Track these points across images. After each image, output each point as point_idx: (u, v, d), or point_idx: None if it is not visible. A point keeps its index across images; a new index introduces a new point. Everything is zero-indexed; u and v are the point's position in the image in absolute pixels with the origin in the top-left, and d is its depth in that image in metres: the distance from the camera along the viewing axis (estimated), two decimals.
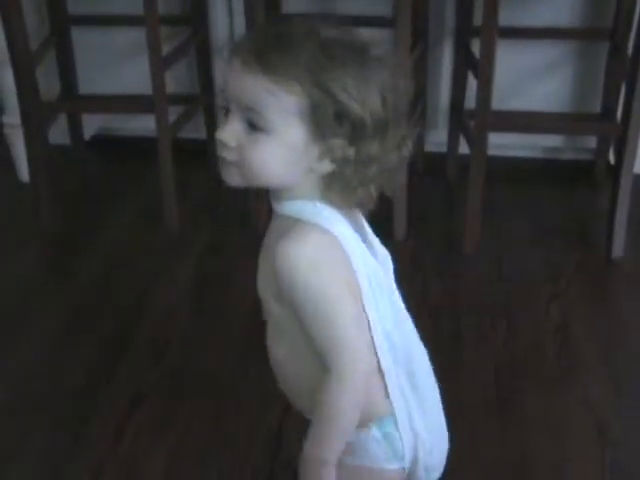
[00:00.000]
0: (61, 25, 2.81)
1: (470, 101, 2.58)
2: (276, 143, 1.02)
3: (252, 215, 2.53)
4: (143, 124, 2.69)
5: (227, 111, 1.05)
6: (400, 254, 2.42)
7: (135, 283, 2.34)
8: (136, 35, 2.65)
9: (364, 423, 1.14)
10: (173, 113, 2.55)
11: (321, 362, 1.09)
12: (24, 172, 2.79)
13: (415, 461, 1.20)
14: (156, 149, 2.49)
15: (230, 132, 1.04)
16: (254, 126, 1.02)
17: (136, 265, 2.43)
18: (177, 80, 2.82)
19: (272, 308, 1.13)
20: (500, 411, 1.90)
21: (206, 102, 2.84)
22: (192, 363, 2.05)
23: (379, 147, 1.04)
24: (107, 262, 2.45)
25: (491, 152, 2.41)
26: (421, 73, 2.68)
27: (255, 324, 2.10)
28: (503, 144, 2.72)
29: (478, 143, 2.37)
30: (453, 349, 2.10)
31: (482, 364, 2.04)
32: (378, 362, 1.13)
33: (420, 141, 2.82)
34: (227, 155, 1.05)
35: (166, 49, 2.48)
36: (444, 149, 2.86)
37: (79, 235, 2.61)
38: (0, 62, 2.61)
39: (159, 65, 2.40)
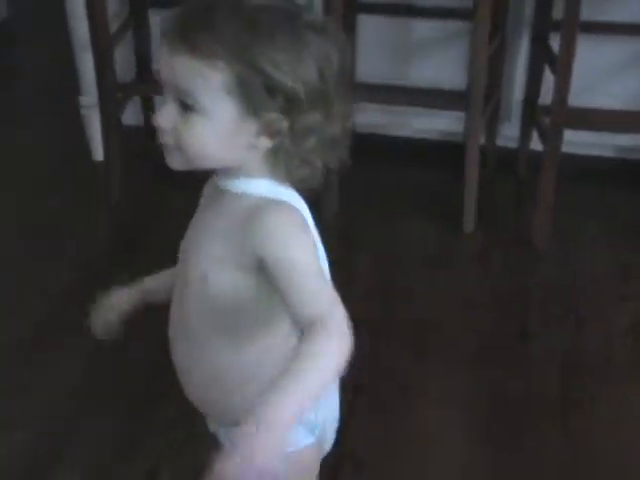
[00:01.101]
0: (139, 7, 2.84)
1: (545, 96, 2.55)
2: (209, 122, 1.00)
3: (321, 199, 2.55)
4: None
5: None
6: (468, 247, 2.48)
7: None
8: None
9: None
10: None
11: (256, 350, 1.09)
12: (98, 151, 2.84)
13: (323, 430, 1.20)
14: None
15: (165, 115, 1.02)
16: (186, 107, 1.00)
17: None
18: None
19: (220, 284, 1.07)
20: (565, 412, 1.89)
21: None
22: None
23: (320, 118, 1.02)
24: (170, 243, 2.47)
25: (563, 149, 2.38)
26: (497, 66, 2.66)
27: None
28: (575, 141, 2.68)
29: (552, 139, 2.35)
30: (519, 345, 2.09)
31: (548, 363, 2.03)
32: None
33: (492, 134, 2.80)
34: (165, 139, 1.03)
35: None
36: (515, 144, 2.83)
37: (146, 215, 2.65)
38: (80, 44, 2.66)
39: None
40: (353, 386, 1.94)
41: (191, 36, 0.97)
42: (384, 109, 2.82)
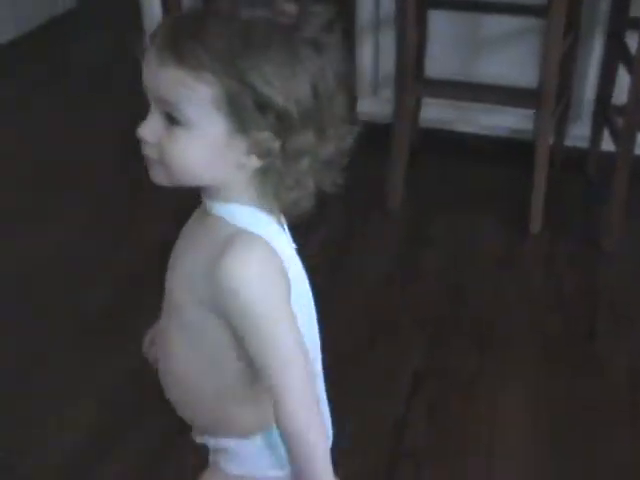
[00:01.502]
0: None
1: (618, 96, 2.51)
2: (195, 138, 0.94)
3: (387, 193, 2.53)
4: None
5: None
6: (534, 247, 2.45)
7: None
8: None
9: (251, 432, 1.11)
10: None
11: (229, 375, 1.05)
12: None
13: None
14: None
15: (149, 128, 0.96)
16: (172, 120, 0.94)
17: None
18: None
19: (189, 313, 1.04)
20: (634, 415, 1.85)
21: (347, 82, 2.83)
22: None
23: (313, 139, 0.96)
24: None
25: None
26: (569, 63, 2.62)
27: (380, 303, 2.20)
28: None
29: (626, 140, 2.31)
30: (587, 345, 2.06)
31: (616, 364, 2.00)
32: None
33: (561, 134, 2.76)
34: (149, 152, 0.97)
35: None
36: (584, 143, 2.79)
37: None
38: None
39: None
40: (415, 381, 1.93)
41: (179, 45, 0.91)
42: (452, 105, 2.80)
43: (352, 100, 2.85)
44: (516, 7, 2.64)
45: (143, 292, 2.10)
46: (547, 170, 2.42)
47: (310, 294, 1.11)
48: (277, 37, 0.93)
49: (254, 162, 0.97)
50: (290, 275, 1.01)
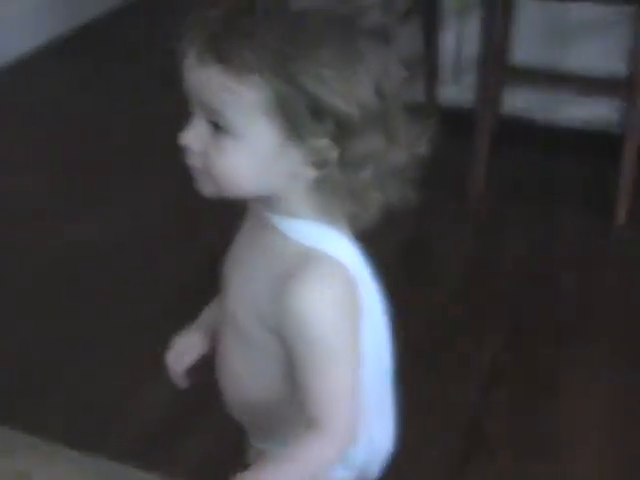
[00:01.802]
0: None
1: None
2: (244, 148, 0.85)
3: (467, 181, 2.50)
4: None
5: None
6: (618, 239, 2.39)
7: None
8: None
9: None
10: None
11: (291, 391, 0.97)
12: None
13: (367, 463, 1.09)
14: None
15: (194, 136, 0.87)
16: (218, 128, 0.86)
17: None
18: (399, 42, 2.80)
19: (252, 331, 0.97)
20: None
21: (429, 66, 2.80)
22: None
23: (378, 145, 0.86)
24: None
25: None
26: None
27: (464, 290, 2.17)
28: None
29: None
30: None
31: None
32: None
33: None
34: (193, 162, 0.89)
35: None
36: None
37: None
38: None
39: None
40: (494, 373, 1.91)
41: (222, 46, 0.82)
42: (536, 93, 2.75)
43: (430, 92, 2.82)
44: None
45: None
46: (636, 162, 2.36)
47: (381, 307, 1.01)
48: (334, 31, 0.83)
49: (310, 172, 0.87)
50: (361, 292, 0.94)
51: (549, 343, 2.00)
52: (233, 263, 1.01)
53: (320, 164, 0.86)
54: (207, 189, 0.90)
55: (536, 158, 2.76)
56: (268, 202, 0.92)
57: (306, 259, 0.90)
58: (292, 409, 0.99)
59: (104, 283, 2.23)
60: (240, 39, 0.82)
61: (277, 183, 0.89)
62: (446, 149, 2.73)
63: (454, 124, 2.78)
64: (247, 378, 1.02)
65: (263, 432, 1.08)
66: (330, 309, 0.89)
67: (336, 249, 0.92)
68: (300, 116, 0.83)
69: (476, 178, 2.52)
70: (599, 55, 2.71)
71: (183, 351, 1.13)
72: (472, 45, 2.74)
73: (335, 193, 0.89)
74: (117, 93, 3.27)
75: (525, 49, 2.73)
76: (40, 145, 2.92)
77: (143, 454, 1.71)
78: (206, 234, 2.31)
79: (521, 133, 2.82)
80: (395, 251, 2.31)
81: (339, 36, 0.83)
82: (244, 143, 0.85)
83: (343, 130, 0.84)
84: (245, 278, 0.98)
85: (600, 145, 2.73)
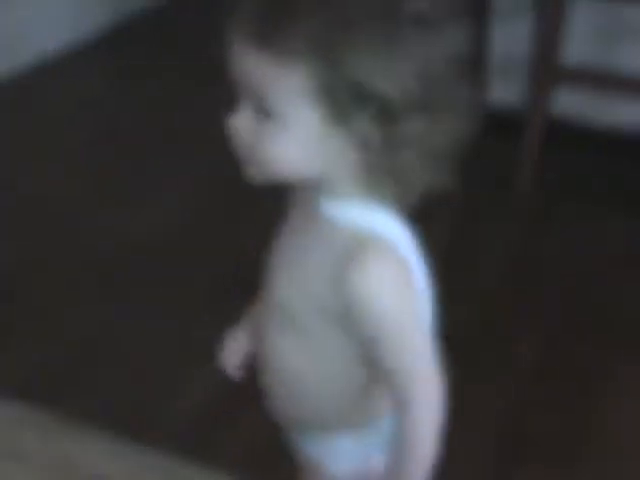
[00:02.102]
0: None
1: None
2: (289, 132, 0.86)
3: (515, 182, 2.49)
4: None
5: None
6: None
7: None
8: None
9: (365, 424, 1.06)
10: None
11: (348, 379, 1.01)
12: None
13: None
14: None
15: (240, 121, 0.88)
16: (263, 112, 0.86)
17: None
18: None
19: (308, 322, 0.98)
20: None
21: (480, 66, 2.79)
22: None
23: (421, 129, 0.86)
24: None
25: None
26: None
27: (506, 289, 2.16)
28: None
29: None
30: None
31: None
32: None
33: None
34: (239, 147, 0.90)
35: None
36: None
37: None
38: None
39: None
40: (528, 367, 1.91)
41: (267, 30, 0.82)
42: (587, 94, 2.72)
43: (478, 85, 2.81)
44: None
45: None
46: None
47: (428, 290, 1.03)
48: (378, 14, 0.83)
49: (353, 155, 0.88)
50: (414, 271, 0.96)
51: (590, 347, 1.99)
52: (282, 253, 1.02)
53: (364, 147, 0.87)
54: (254, 173, 0.91)
55: (586, 160, 2.73)
56: (315, 186, 0.93)
57: (360, 242, 0.91)
58: (347, 399, 1.03)
59: (153, 273, 2.27)
60: (285, 24, 0.82)
61: (323, 166, 0.90)
62: (495, 149, 2.75)
63: (504, 124, 2.79)
64: (303, 370, 1.02)
65: (311, 428, 1.08)
66: (392, 288, 0.92)
67: (386, 230, 0.93)
68: (344, 101, 0.84)
69: (524, 178, 2.51)
70: None
71: (234, 351, 1.17)
72: (523, 46, 2.73)
73: (379, 174, 0.90)
74: (153, 92, 3.30)
75: (577, 50, 2.70)
76: (75, 144, 2.97)
77: (187, 447, 1.74)
78: (247, 227, 2.33)
79: (571, 134, 2.80)
80: (441, 248, 2.31)
81: (383, 21, 0.83)
82: (289, 128, 0.86)
83: (386, 114, 0.85)
84: (299, 267, 0.97)
85: None
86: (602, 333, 2.03)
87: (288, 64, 0.82)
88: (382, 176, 0.90)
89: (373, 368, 0.98)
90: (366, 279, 0.90)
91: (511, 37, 2.80)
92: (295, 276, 0.98)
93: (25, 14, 3.42)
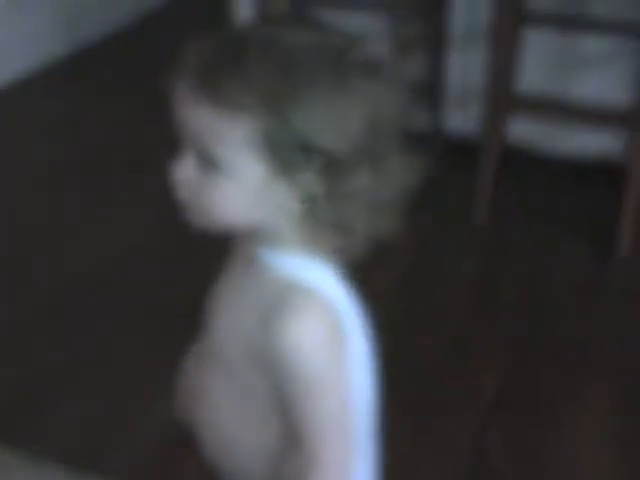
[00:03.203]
0: (306, 4, 2.84)
1: None
2: (232, 183, 0.85)
3: (472, 210, 2.51)
4: None
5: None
6: (622, 271, 2.39)
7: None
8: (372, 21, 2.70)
9: None
10: None
11: (275, 428, 0.97)
12: None
13: None
14: None
15: (183, 169, 0.88)
16: (206, 163, 0.86)
17: None
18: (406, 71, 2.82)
19: (240, 366, 0.96)
20: None
21: (435, 95, 2.82)
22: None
23: (367, 179, 0.85)
24: None
25: None
26: None
27: (467, 317, 2.17)
28: None
29: None
30: None
31: None
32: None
33: None
34: (182, 195, 0.89)
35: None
36: None
37: None
38: None
39: (399, 54, 2.40)
40: (495, 401, 1.91)
41: (214, 82, 0.82)
42: (540, 123, 2.76)
43: (436, 121, 2.84)
44: (614, 26, 2.59)
45: None
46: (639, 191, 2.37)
47: (365, 347, 0.98)
48: (326, 66, 0.83)
49: (298, 205, 0.87)
50: (347, 329, 0.93)
51: (548, 372, 2.00)
52: (220, 298, 1.01)
53: (307, 198, 0.86)
54: (196, 221, 0.90)
55: (540, 187, 2.76)
56: (255, 235, 0.92)
57: (291, 292, 0.89)
58: (272, 446, 0.99)
59: (107, 300, 2.24)
60: (231, 74, 0.82)
61: (264, 216, 0.89)
62: (451, 177, 2.77)
63: (460, 152, 2.82)
64: (230, 414, 1.00)
65: (240, 473, 1.05)
66: (316, 343, 0.89)
67: (321, 283, 0.91)
68: (289, 152, 0.83)
69: (481, 206, 2.53)
70: (604, 86, 2.73)
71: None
72: (477, 74, 2.76)
73: (322, 226, 0.89)
74: (119, 116, 3.29)
75: (531, 79, 2.74)
76: (42, 163, 2.95)
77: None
78: (199, 259, 2.32)
79: (526, 162, 2.84)
80: (400, 277, 2.32)
81: (331, 72, 0.83)
82: (233, 177, 0.85)
83: (331, 167, 0.84)
84: (234, 311, 0.97)
85: (604, 175, 2.74)
86: (561, 362, 2.04)
87: (234, 116, 0.82)
88: (325, 228, 0.89)
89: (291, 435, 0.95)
90: (287, 329, 0.87)
91: (466, 66, 2.84)
92: (230, 320, 0.97)
93: None
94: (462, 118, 2.88)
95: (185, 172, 0.88)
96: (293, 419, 0.93)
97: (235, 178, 0.85)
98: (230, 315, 0.97)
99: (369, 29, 2.81)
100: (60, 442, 1.79)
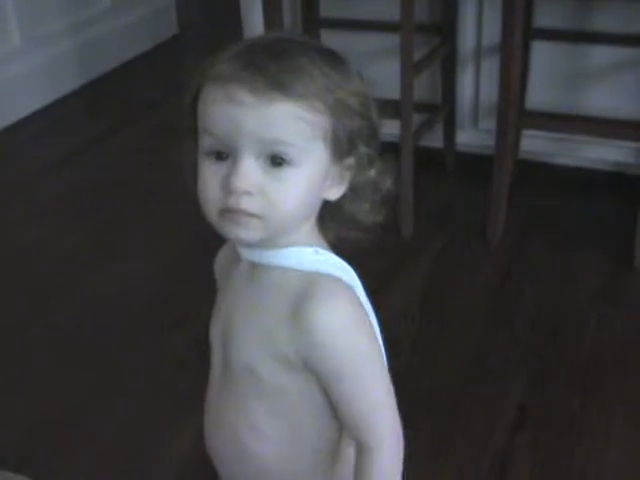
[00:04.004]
0: (313, 27, 2.88)
1: None
2: (303, 174, 0.87)
3: (487, 226, 2.52)
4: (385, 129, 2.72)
5: (220, 156, 0.88)
6: (638, 283, 2.39)
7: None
8: (383, 40, 2.72)
9: None
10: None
11: (311, 444, 0.99)
12: None
13: None
14: (397, 155, 2.51)
15: (249, 177, 0.86)
16: (279, 161, 0.86)
17: (365, 268, 2.45)
18: (418, 88, 2.83)
19: (269, 377, 0.95)
20: None
21: (447, 112, 2.83)
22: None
23: (378, 171, 0.95)
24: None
25: None
26: None
27: (478, 339, 2.18)
28: None
29: None
30: None
31: None
32: None
33: None
34: (248, 206, 0.86)
35: (415, 56, 2.49)
36: None
37: None
38: None
39: (410, 72, 2.41)
40: (516, 419, 1.90)
41: (281, 79, 0.84)
42: (553, 137, 2.77)
43: (449, 138, 2.87)
44: (621, 38, 2.60)
45: None
46: None
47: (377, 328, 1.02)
48: (342, 62, 0.91)
49: (334, 194, 0.93)
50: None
51: (572, 387, 1.99)
52: (231, 317, 0.99)
53: (352, 182, 0.93)
54: (253, 234, 0.89)
55: (555, 201, 2.76)
56: (274, 237, 0.92)
57: (311, 281, 0.91)
58: (314, 459, 1.00)
59: (125, 332, 2.26)
60: (294, 72, 0.86)
61: (312, 208, 0.93)
62: (465, 194, 2.77)
63: (473, 169, 2.83)
64: (279, 439, 0.99)
65: None
66: (353, 321, 0.91)
67: (336, 268, 0.94)
68: (345, 138, 0.89)
69: (495, 222, 2.53)
70: (614, 98, 2.73)
71: None
72: (489, 90, 2.77)
73: (339, 218, 0.96)
74: (134, 145, 3.33)
75: (542, 93, 2.75)
76: (57, 194, 2.98)
77: None
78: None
79: (540, 176, 2.84)
80: (416, 294, 2.32)
81: (346, 66, 0.91)
82: (304, 170, 0.87)
83: (372, 149, 0.92)
84: (253, 324, 0.95)
85: (620, 187, 2.74)
86: (585, 375, 2.03)
87: (312, 108, 0.86)
88: (341, 219, 0.95)
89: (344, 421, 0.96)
90: (326, 314, 0.89)
91: (477, 82, 2.85)
92: (252, 334, 0.95)
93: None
94: (475, 134, 2.89)
95: (253, 179, 0.86)
96: (344, 405, 0.93)
97: (306, 169, 0.88)
98: (250, 329, 0.96)
99: (380, 49, 2.84)
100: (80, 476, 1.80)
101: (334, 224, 0.96)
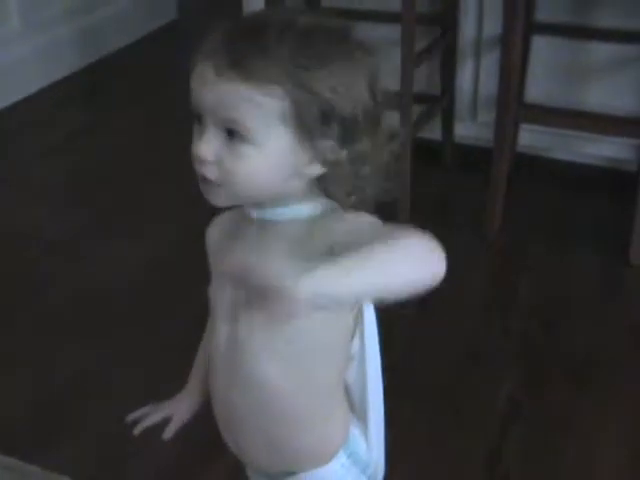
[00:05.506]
0: None
1: None
2: (261, 153, 0.91)
3: (484, 218, 2.52)
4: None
5: (199, 122, 0.94)
6: (634, 278, 2.39)
7: None
8: (383, 31, 2.71)
9: (336, 451, 1.06)
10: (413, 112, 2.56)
11: (323, 386, 1.04)
12: None
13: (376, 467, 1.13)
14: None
15: (208, 146, 0.92)
16: (235, 137, 0.91)
17: None
18: (416, 79, 2.83)
19: (299, 326, 0.92)
20: None
21: (446, 104, 2.83)
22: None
23: (370, 144, 0.95)
24: None
25: None
26: None
27: (474, 333, 2.18)
28: None
29: None
30: None
31: None
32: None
33: None
34: (207, 172, 0.93)
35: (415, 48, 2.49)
36: None
37: None
38: None
39: (411, 63, 2.41)
40: (510, 414, 1.91)
41: (243, 60, 0.89)
42: (551, 131, 2.76)
43: (448, 130, 2.87)
44: (622, 34, 2.60)
45: None
46: None
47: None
48: (336, 42, 0.93)
49: (316, 170, 0.96)
50: None
51: (567, 385, 2.00)
52: (229, 285, 1.02)
53: (327, 162, 0.94)
54: (220, 200, 0.96)
55: (552, 196, 2.77)
56: (267, 201, 0.97)
57: (325, 213, 0.97)
58: (323, 412, 1.04)
59: (124, 316, 2.26)
60: (259, 54, 0.89)
61: (286, 182, 0.95)
62: (463, 186, 2.77)
63: (471, 161, 2.83)
64: (280, 385, 1.01)
65: (286, 460, 1.07)
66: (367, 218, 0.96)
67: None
68: (313, 121, 0.91)
69: (493, 215, 2.53)
70: (616, 93, 2.73)
71: (170, 415, 1.24)
72: (488, 83, 2.77)
73: (336, 190, 0.98)
74: (136, 126, 3.32)
75: (541, 87, 2.75)
76: (59, 174, 2.98)
77: None
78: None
79: (537, 170, 2.85)
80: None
81: (340, 47, 0.93)
82: (262, 148, 0.92)
83: (348, 131, 0.93)
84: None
85: (617, 183, 2.74)
86: (574, 373, 2.04)
87: (266, 92, 0.89)
88: (340, 188, 0.97)
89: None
90: (353, 219, 0.95)
91: (477, 75, 2.85)
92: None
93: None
94: (474, 127, 2.89)
95: (212, 149, 0.92)
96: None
97: (264, 148, 0.92)
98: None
99: (382, 39, 2.83)
100: (77, 459, 1.81)
101: (330, 194, 0.99)
